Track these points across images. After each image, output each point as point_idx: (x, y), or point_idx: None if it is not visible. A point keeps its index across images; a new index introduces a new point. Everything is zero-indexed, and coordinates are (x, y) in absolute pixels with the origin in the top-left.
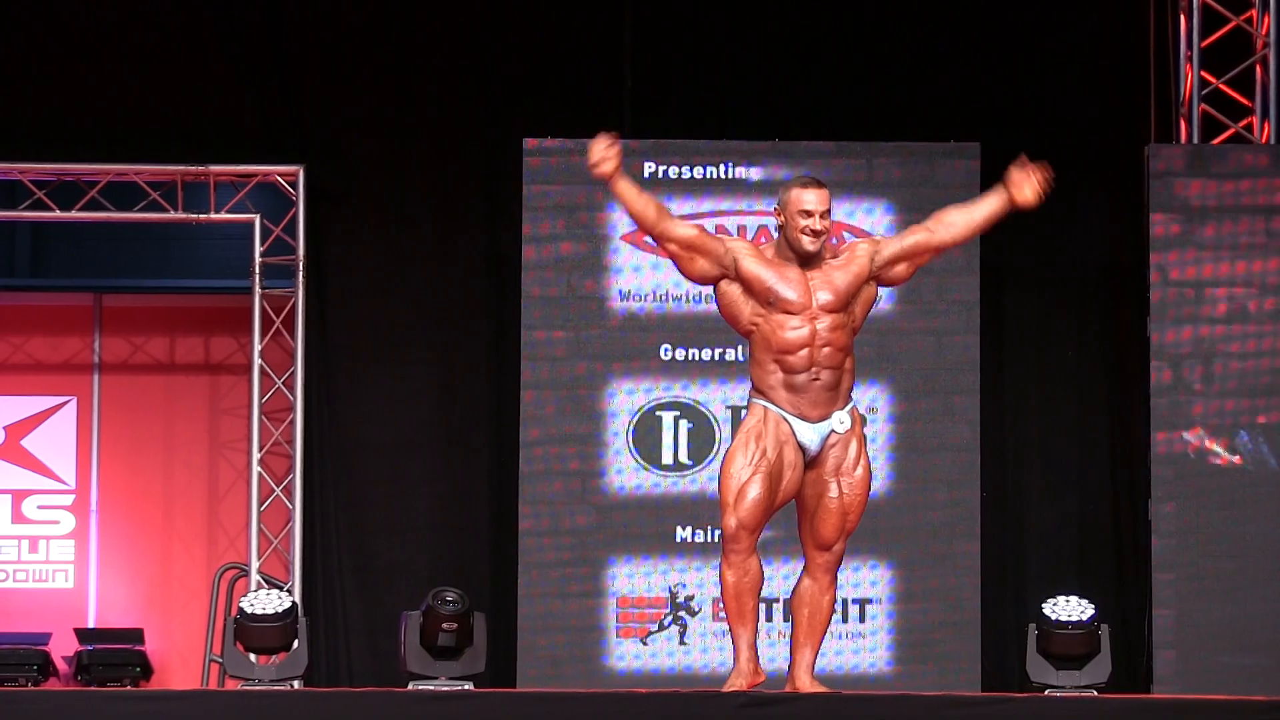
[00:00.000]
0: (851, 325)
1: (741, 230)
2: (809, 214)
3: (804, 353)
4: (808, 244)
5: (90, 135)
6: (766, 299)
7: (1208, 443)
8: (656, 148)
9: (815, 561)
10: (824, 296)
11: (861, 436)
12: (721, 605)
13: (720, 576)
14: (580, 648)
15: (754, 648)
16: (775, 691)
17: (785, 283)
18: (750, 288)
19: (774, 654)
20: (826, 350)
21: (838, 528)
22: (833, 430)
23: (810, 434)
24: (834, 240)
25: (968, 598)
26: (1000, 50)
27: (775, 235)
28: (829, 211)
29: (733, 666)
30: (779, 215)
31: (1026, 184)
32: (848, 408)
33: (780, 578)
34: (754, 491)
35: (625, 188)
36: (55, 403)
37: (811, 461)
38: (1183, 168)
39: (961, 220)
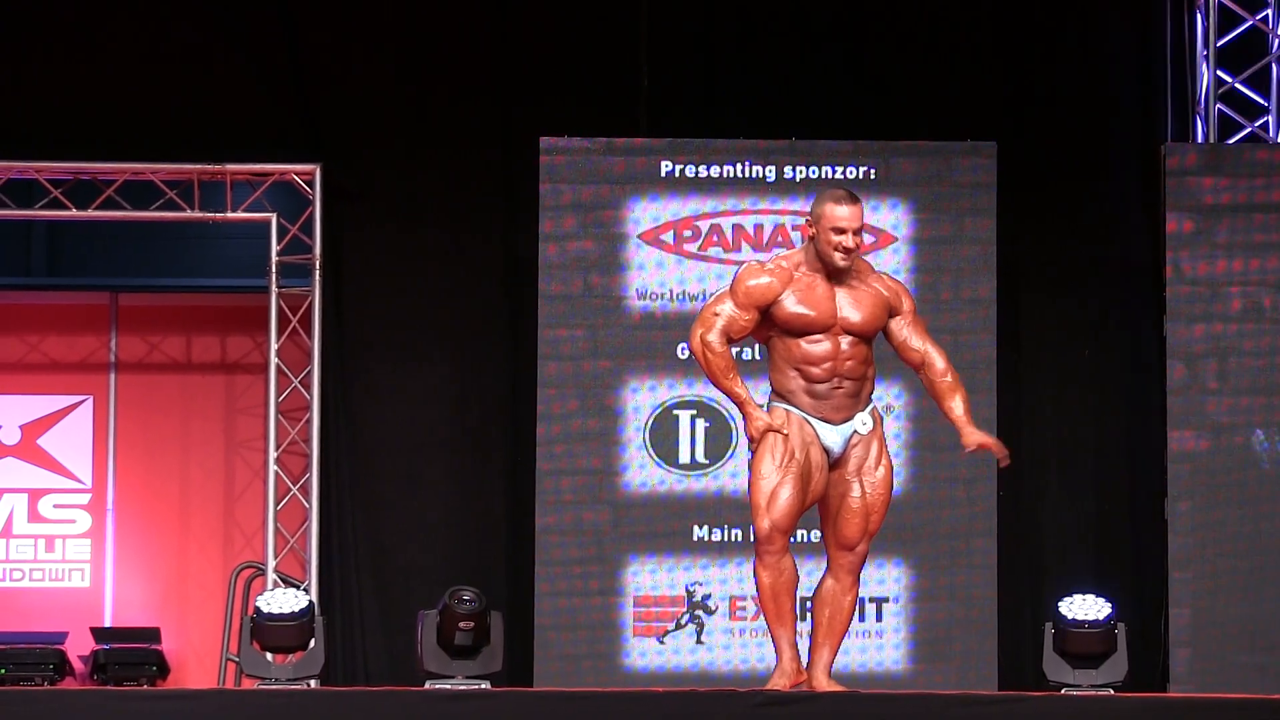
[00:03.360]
0: (873, 339)
1: (759, 229)
2: (842, 231)
3: (827, 365)
4: (839, 260)
5: (106, 134)
6: (791, 329)
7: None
8: (672, 146)
9: (838, 562)
10: (851, 317)
11: (882, 436)
12: (739, 605)
13: (756, 578)
14: (597, 646)
15: (795, 647)
16: (792, 690)
17: (812, 308)
18: (776, 321)
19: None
20: (850, 364)
21: (861, 528)
22: (855, 431)
23: (833, 436)
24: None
25: (984, 596)
26: (1016, 49)
27: (805, 244)
28: (862, 229)
29: (775, 665)
30: (811, 226)
31: (980, 444)
32: (869, 408)
33: (811, 581)
34: (786, 493)
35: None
36: (71, 402)
37: (835, 463)
38: (1198, 166)
39: (934, 375)
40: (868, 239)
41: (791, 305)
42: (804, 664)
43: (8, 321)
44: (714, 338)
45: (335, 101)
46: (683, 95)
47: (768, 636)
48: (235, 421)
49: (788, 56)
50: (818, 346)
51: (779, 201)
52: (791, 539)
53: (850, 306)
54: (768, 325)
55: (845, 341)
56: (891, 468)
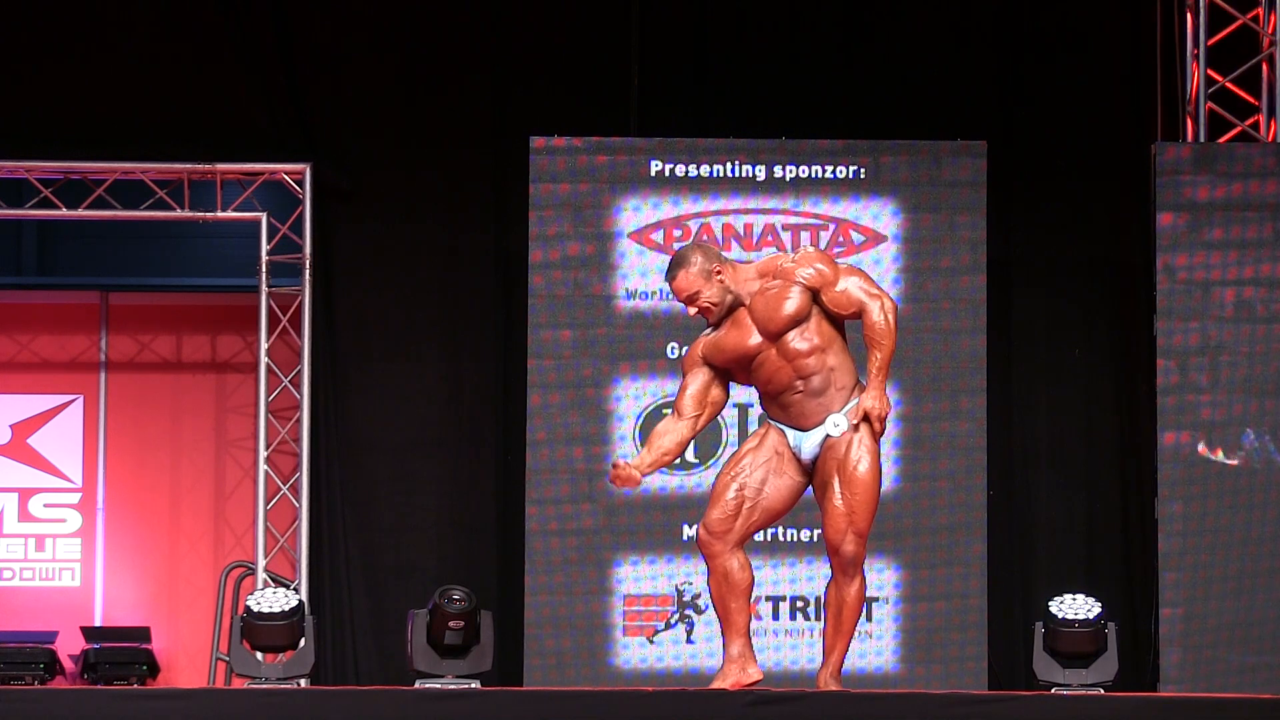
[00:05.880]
0: (818, 329)
1: (749, 228)
2: (684, 304)
3: (782, 372)
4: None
5: (97, 133)
6: (735, 372)
7: (1204, 449)
8: (663, 146)
9: (831, 564)
10: (768, 326)
11: (865, 435)
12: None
13: None
14: (587, 646)
15: (744, 649)
16: (781, 689)
17: (735, 340)
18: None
19: (779, 656)
20: (800, 361)
21: (840, 530)
22: (827, 435)
23: (804, 441)
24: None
25: (974, 596)
26: (1007, 48)
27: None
28: (694, 294)
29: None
30: None
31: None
32: (845, 408)
33: (804, 579)
34: (724, 497)
35: (651, 465)
36: (62, 401)
37: (813, 468)
38: (1189, 165)
39: (867, 325)
40: (858, 238)
41: (719, 354)
42: (762, 664)
43: None
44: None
45: (325, 101)
46: (673, 94)
47: (758, 637)
48: (225, 421)
49: (778, 55)
50: (766, 364)
51: (769, 200)
52: (784, 538)
53: (762, 318)
54: (741, 374)
55: (785, 344)
56: (875, 466)
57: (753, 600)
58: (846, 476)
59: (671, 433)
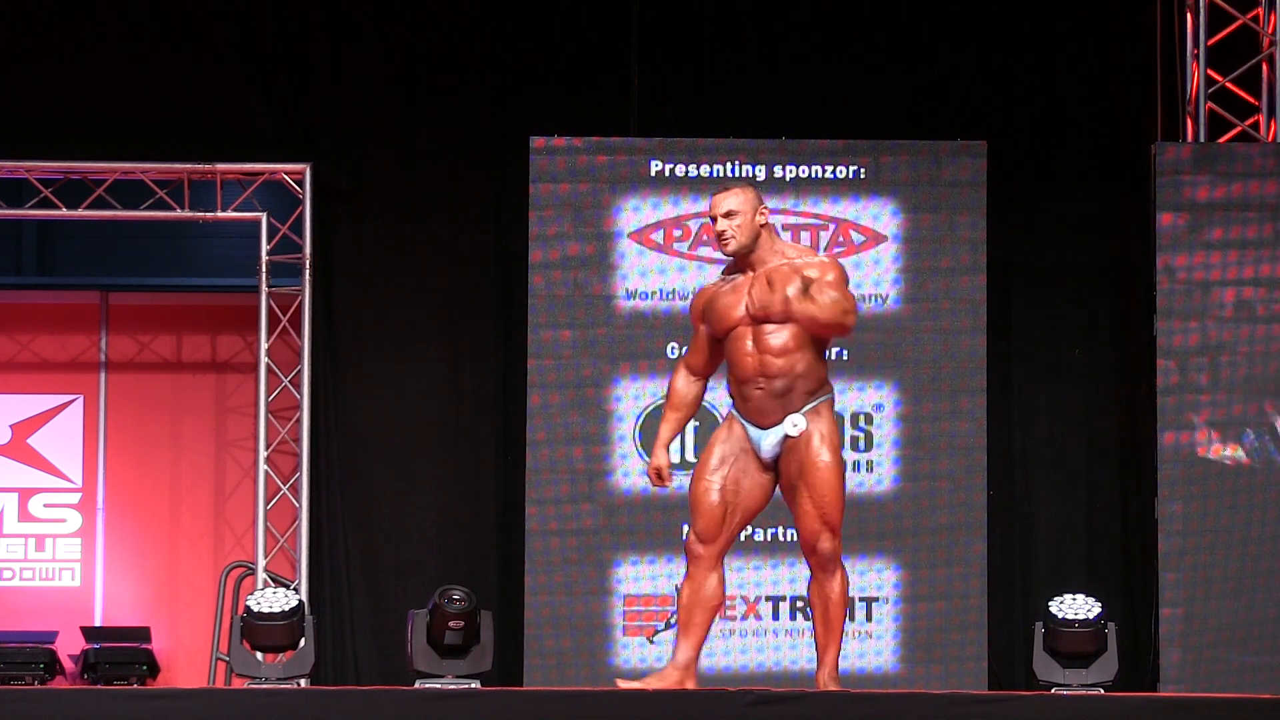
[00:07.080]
0: (796, 332)
1: None
2: (713, 219)
3: (747, 361)
4: (720, 248)
5: (97, 133)
6: (715, 330)
7: (1214, 448)
8: (663, 146)
9: (810, 562)
10: (755, 302)
11: (824, 431)
12: (728, 604)
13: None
14: (587, 646)
15: (690, 661)
16: (781, 689)
17: (725, 305)
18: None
19: (779, 656)
20: (768, 358)
21: (814, 530)
22: (786, 435)
23: (764, 440)
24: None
25: (974, 596)
26: (1007, 48)
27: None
28: (732, 212)
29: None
30: None
31: None
32: (805, 409)
33: (804, 579)
34: (707, 501)
35: (667, 457)
36: (62, 401)
37: (775, 468)
38: (1189, 165)
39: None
40: (858, 238)
41: (711, 307)
42: (764, 663)
43: None
44: (674, 375)
45: (326, 101)
46: (673, 94)
47: (758, 637)
48: (225, 421)
49: (778, 56)
50: (737, 343)
51: (769, 200)
52: (783, 538)
53: (759, 295)
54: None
55: (762, 334)
56: (837, 458)
57: (751, 604)
58: (811, 475)
59: (692, 391)
